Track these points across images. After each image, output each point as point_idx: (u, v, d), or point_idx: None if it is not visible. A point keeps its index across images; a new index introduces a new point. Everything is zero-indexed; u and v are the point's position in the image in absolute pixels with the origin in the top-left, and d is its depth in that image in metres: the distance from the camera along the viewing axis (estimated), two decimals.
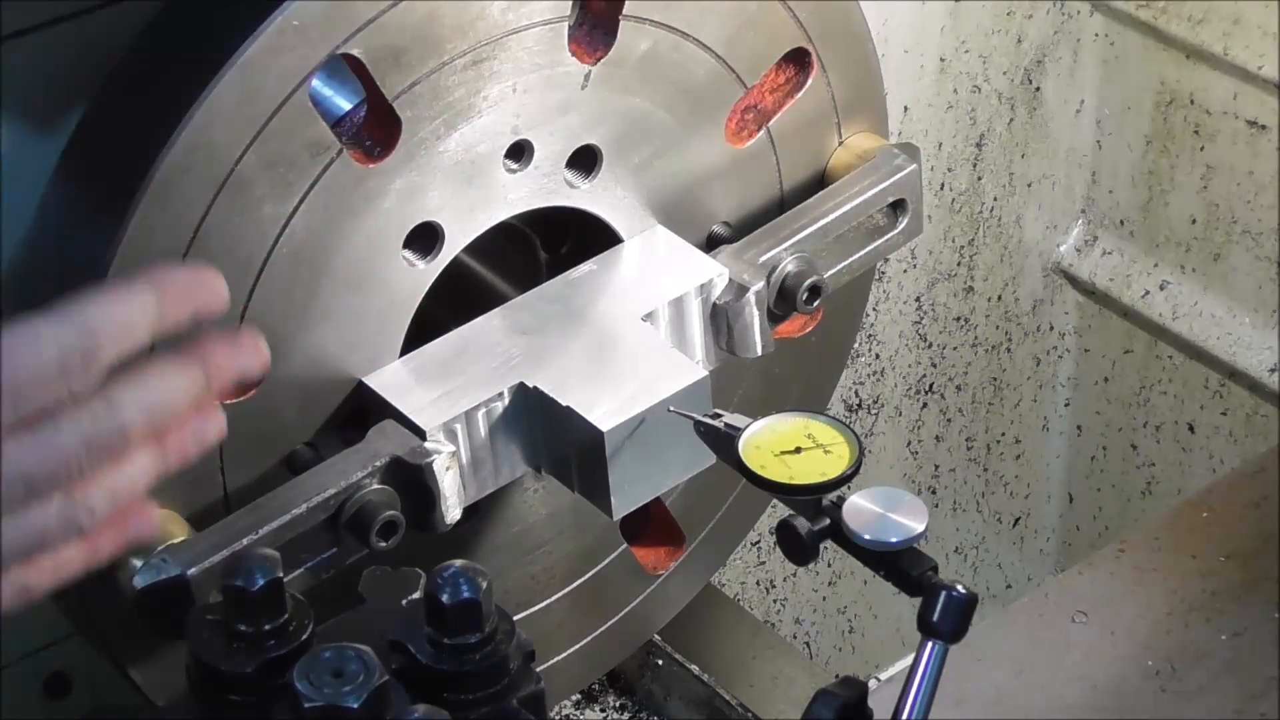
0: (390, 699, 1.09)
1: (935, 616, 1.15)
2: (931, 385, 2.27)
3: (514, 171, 1.38)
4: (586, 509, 1.41)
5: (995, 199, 2.20)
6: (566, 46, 1.37)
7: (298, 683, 1.08)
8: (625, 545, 1.58)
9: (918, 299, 2.19)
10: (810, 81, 1.50)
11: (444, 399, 1.34)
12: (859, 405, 2.20)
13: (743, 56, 1.46)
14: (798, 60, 1.50)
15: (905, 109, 2.05)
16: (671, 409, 1.32)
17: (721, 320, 1.43)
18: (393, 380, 1.36)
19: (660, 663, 1.77)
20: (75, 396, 0.99)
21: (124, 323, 1.01)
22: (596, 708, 1.79)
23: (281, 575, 1.14)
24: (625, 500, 1.35)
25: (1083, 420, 2.38)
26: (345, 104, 1.33)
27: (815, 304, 1.46)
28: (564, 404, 1.33)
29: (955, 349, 2.27)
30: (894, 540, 1.18)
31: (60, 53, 1.31)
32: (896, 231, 1.53)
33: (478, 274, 1.49)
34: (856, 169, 1.52)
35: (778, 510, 1.44)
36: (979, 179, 2.17)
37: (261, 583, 1.13)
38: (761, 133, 1.50)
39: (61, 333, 0.99)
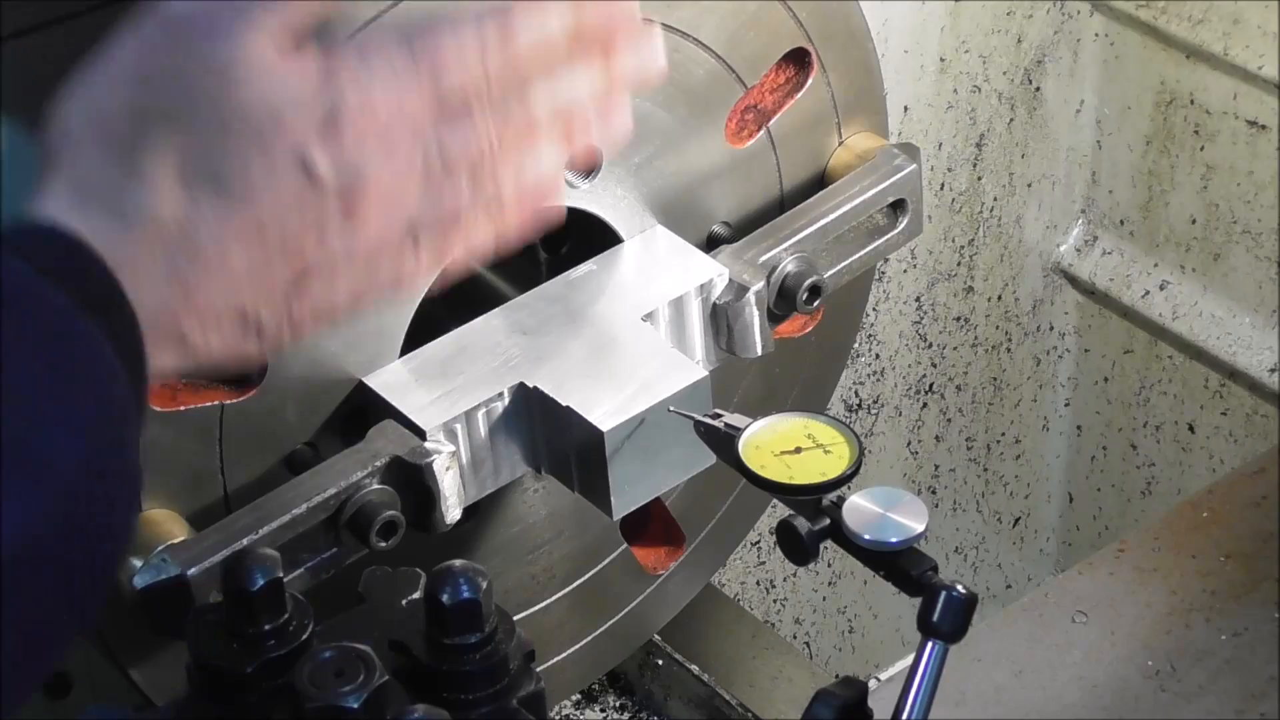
0: (390, 699, 1.09)
1: (935, 616, 1.15)
2: (931, 385, 2.27)
3: None
4: (586, 509, 1.41)
5: (995, 199, 2.20)
6: None
7: (298, 683, 1.08)
8: (625, 545, 1.58)
9: (918, 299, 2.19)
10: (810, 81, 1.50)
11: (444, 399, 1.33)
12: (859, 405, 2.20)
13: (743, 56, 1.46)
14: (798, 60, 1.50)
15: (905, 109, 2.05)
16: (671, 409, 1.32)
17: (721, 320, 1.43)
18: (393, 380, 1.36)
19: (660, 663, 1.77)
20: (490, 84, 1.03)
21: (542, 25, 1.05)
22: (596, 708, 1.79)
23: (281, 575, 1.14)
24: (625, 500, 1.35)
25: (1083, 420, 2.38)
26: None
27: (815, 304, 1.46)
28: (564, 404, 1.32)
29: (955, 349, 2.27)
30: (894, 540, 1.18)
31: (60, 53, 1.30)
32: (896, 231, 1.53)
33: (477, 274, 1.49)
34: (856, 169, 1.52)
35: (778, 510, 1.44)
36: (979, 179, 2.17)
37: (261, 583, 1.13)
38: (761, 133, 1.50)
39: (480, 8, 1.03)
